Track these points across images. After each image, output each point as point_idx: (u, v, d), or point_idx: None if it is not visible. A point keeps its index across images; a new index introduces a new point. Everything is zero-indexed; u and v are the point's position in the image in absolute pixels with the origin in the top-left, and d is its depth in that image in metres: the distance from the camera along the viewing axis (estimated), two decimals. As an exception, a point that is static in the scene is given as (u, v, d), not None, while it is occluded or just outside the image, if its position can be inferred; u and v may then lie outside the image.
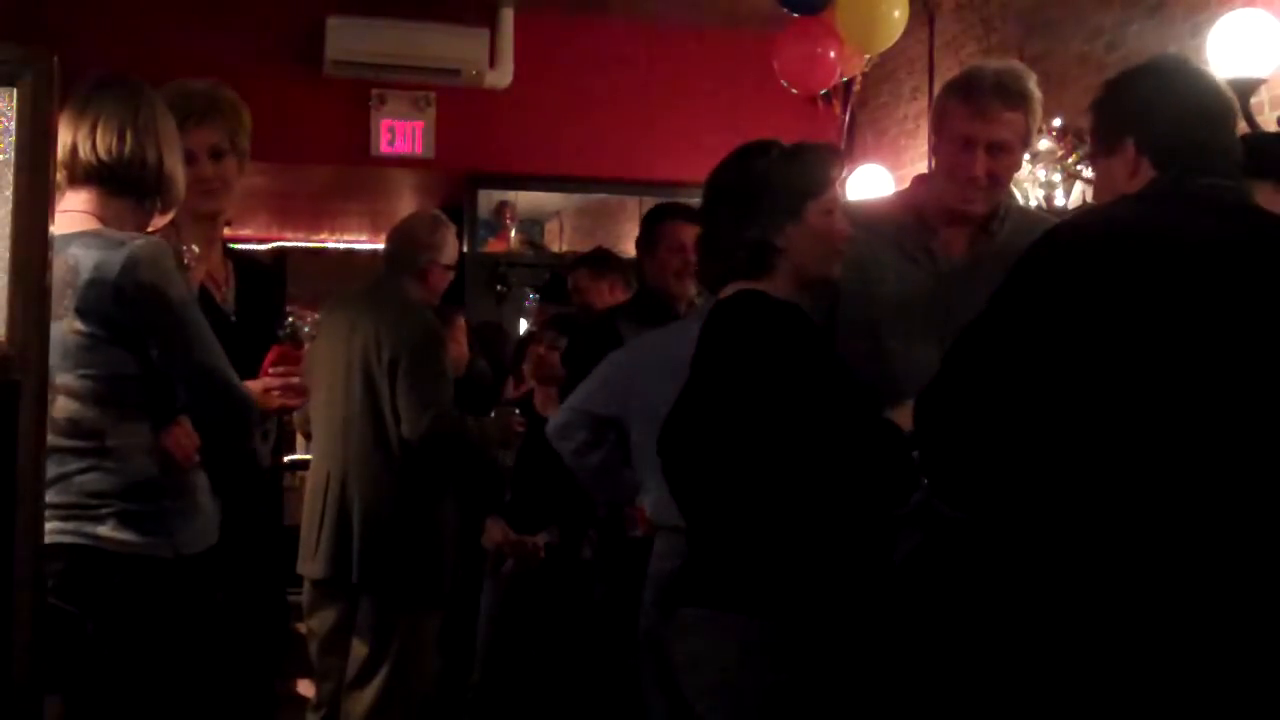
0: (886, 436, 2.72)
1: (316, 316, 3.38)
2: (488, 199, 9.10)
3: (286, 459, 5.29)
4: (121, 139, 2.92)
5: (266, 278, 3.80)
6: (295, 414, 4.54)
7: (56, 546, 2.68)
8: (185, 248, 3.26)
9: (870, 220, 3.26)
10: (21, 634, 2.23)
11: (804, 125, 6.75)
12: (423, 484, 4.50)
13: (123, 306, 2.81)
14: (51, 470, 2.57)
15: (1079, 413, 2.25)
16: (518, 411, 5.20)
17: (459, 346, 5.39)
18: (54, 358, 2.48)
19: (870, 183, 7.07)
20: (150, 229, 3.06)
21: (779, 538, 2.76)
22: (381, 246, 5.09)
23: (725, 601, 2.80)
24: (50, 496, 2.55)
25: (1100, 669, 2.20)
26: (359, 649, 4.51)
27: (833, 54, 6.75)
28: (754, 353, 2.79)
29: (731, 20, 8.02)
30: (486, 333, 6.26)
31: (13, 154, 2.27)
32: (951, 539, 2.84)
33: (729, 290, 2.91)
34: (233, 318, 3.54)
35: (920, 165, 7.22)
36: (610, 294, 5.28)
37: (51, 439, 2.49)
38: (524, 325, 8.81)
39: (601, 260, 5.53)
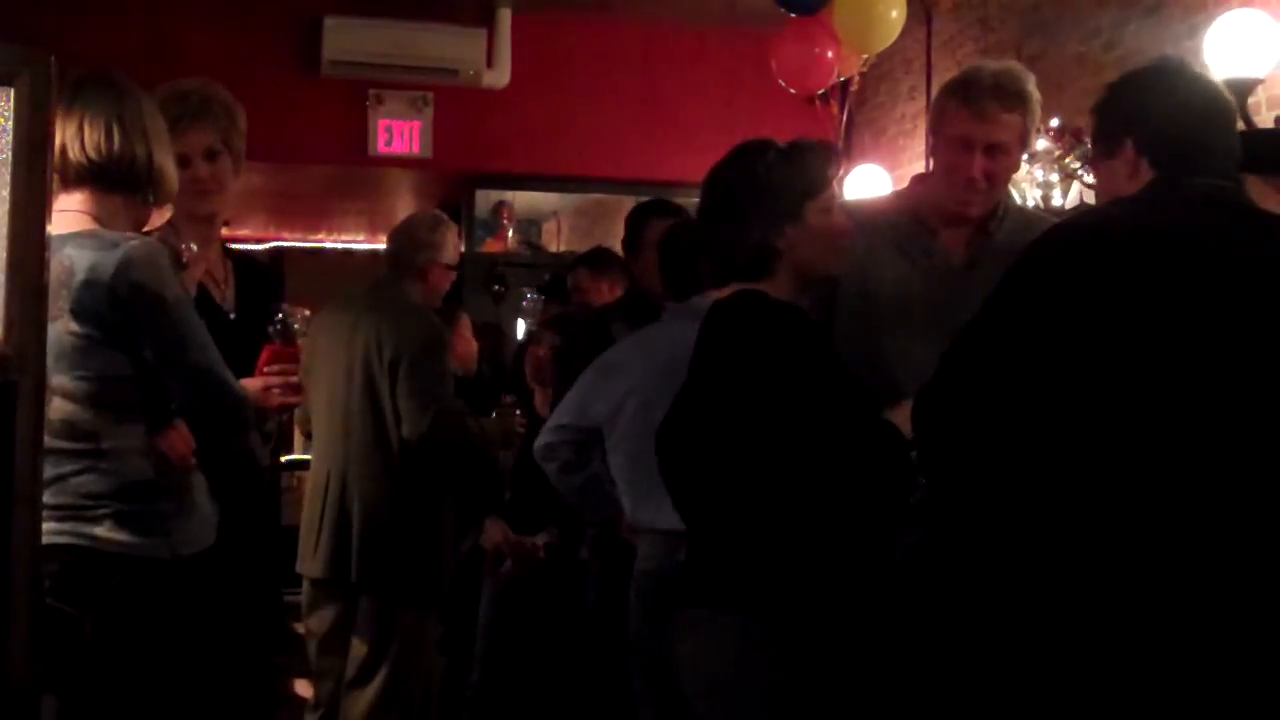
0: (885, 437, 2.72)
1: (308, 313, 3.37)
2: (485, 199, 9.10)
3: (284, 459, 5.30)
4: (109, 136, 2.91)
5: (265, 277, 3.80)
6: (296, 412, 4.55)
7: (53, 547, 2.67)
8: (184, 246, 3.25)
9: (869, 220, 3.26)
10: (19, 634, 2.24)
11: (802, 125, 6.74)
12: (422, 484, 4.50)
13: (117, 308, 2.80)
14: (47, 471, 2.57)
15: (1077, 412, 2.25)
16: (519, 412, 5.20)
17: (467, 344, 5.38)
18: (49, 359, 2.48)
19: (868, 183, 7.07)
20: (148, 226, 3.06)
21: (779, 538, 2.75)
22: (379, 246, 5.10)
23: (725, 602, 2.79)
24: (46, 498, 2.55)
25: (1097, 666, 2.20)
26: (358, 649, 4.51)
27: (830, 54, 6.76)
28: (753, 354, 2.78)
29: (729, 20, 8.02)
30: (484, 333, 6.26)
31: (10, 154, 2.27)
32: (949, 537, 2.84)
33: (728, 290, 2.91)
34: (232, 316, 3.54)
35: (918, 165, 7.22)
36: (610, 293, 5.26)
37: (47, 440, 2.49)
38: (521, 325, 8.80)
39: (601, 259, 5.53)
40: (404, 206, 9.30)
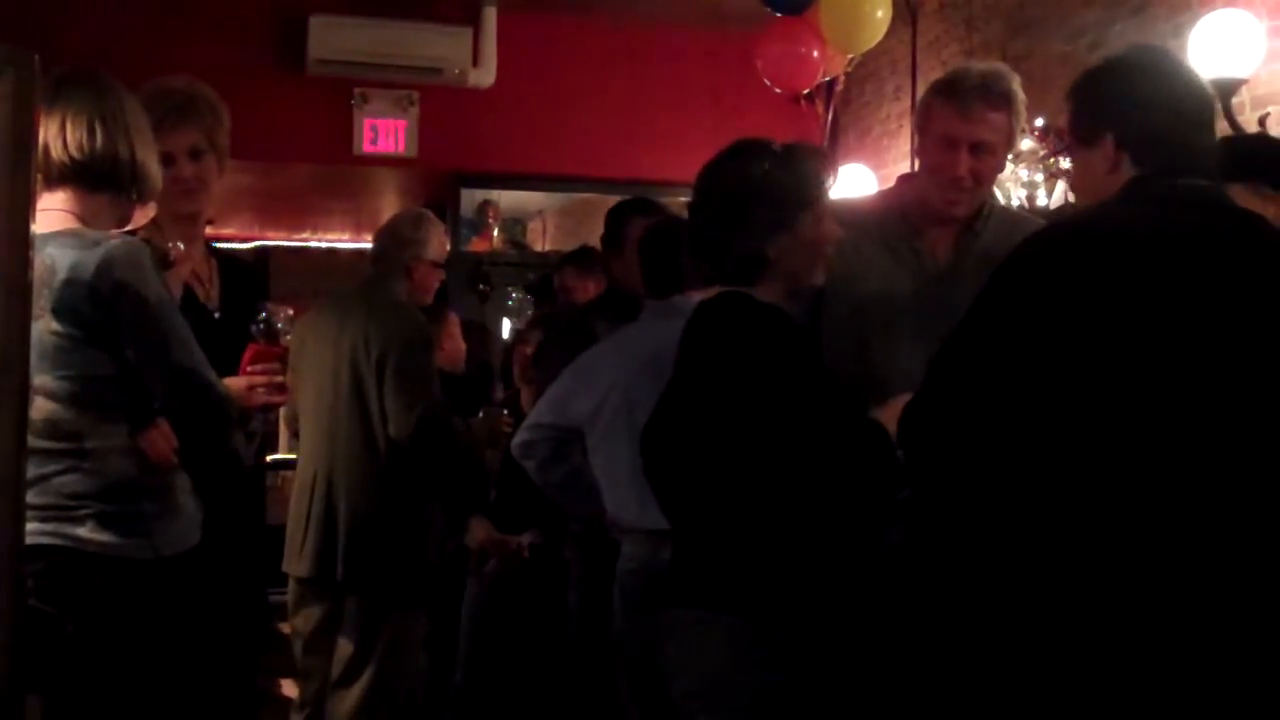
0: (871, 436, 2.72)
1: (291, 312, 3.35)
2: (470, 198, 9.09)
3: (269, 458, 5.28)
4: (91, 134, 2.90)
5: (250, 276, 3.80)
6: (284, 411, 4.54)
7: (36, 548, 2.66)
8: (172, 245, 3.25)
9: (856, 219, 3.27)
10: (2, 635, 2.23)
11: (787, 125, 6.75)
12: (409, 483, 4.49)
13: (98, 307, 2.80)
14: (30, 472, 2.55)
15: (1065, 417, 2.25)
16: (505, 412, 5.20)
17: (455, 342, 5.38)
18: (31, 359, 2.47)
19: (853, 182, 7.08)
20: (132, 225, 3.05)
21: (766, 538, 2.76)
22: (364, 245, 5.09)
23: (713, 602, 2.79)
24: (29, 498, 2.54)
25: (1086, 666, 2.20)
26: (344, 648, 4.50)
27: (815, 54, 6.76)
28: (738, 355, 2.78)
29: (715, 20, 8.02)
30: (470, 332, 6.25)
31: (-7, 152, 2.26)
32: (936, 538, 2.85)
33: (713, 291, 2.91)
34: (216, 315, 3.53)
35: (903, 165, 7.22)
36: (596, 292, 5.27)
37: (29, 440, 2.48)
38: (507, 324, 8.81)
39: (587, 258, 5.53)
40: (389, 205, 9.29)
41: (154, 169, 3.02)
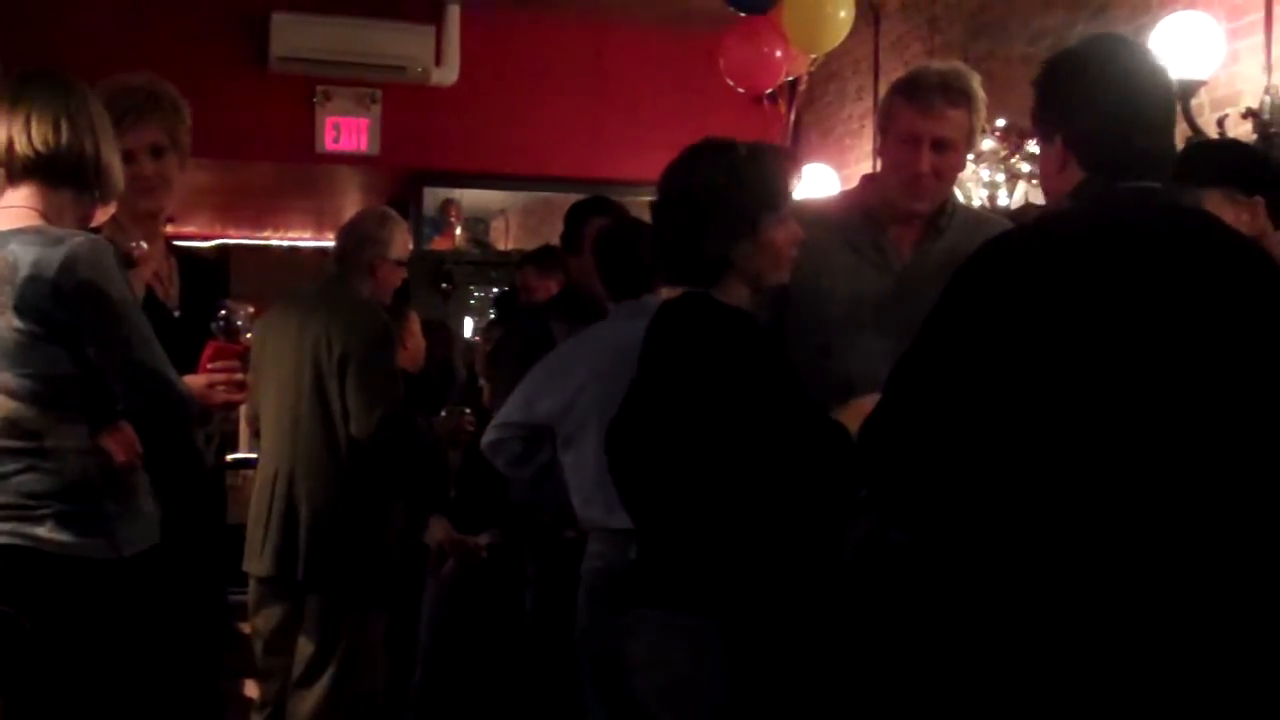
0: (833, 436, 2.72)
1: (252, 310, 3.34)
2: (433, 196, 9.08)
3: (230, 458, 5.26)
4: (57, 130, 2.89)
5: (210, 274, 3.78)
6: (246, 409, 4.52)
7: (-6, 547, 2.66)
8: (135, 244, 3.23)
9: (821, 219, 3.29)
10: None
11: (750, 124, 6.78)
12: (370, 483, 4.48)
13: (60, 304, 2.78)
14: (-10, 470, 2.55)
15: (1023, 424, 2.25)
16: (468, 411, 5.19)
17: (415, 339, 5.37)
18: (-8, 356, 2.46)
19: (816, 182, 7.09)
20: (93, 223, 3.03)
21: (729, 538, 2.76)
22: (326, 244, 5.07)
23: (677, 601, 2.79)
24: (-11, 497, 2.54)
25: (1049, 663, 2.21)
26: (305, 648, 4.48)
27: (779, 54, 6.78)
28: (700, 356, 2.79)
29: (678, 19, 8.03)
30: (432, 331, 6.24)
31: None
32: (901, 538, 2.86)
33: (676, 292, 2.91)
34: (176, 314, 3.51)
35: (865, 165, 7.25)
36: (558, 291, 5.27)
37: (-10, 439, 2.47)
38: (470, 323, 8.80)
39: (549, 258, 5.53)
40: (351, 204, 9.26)
41: (117, 168, 3.01)
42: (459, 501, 5.06)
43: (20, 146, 2.87)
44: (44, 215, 2.88)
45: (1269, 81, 4.65)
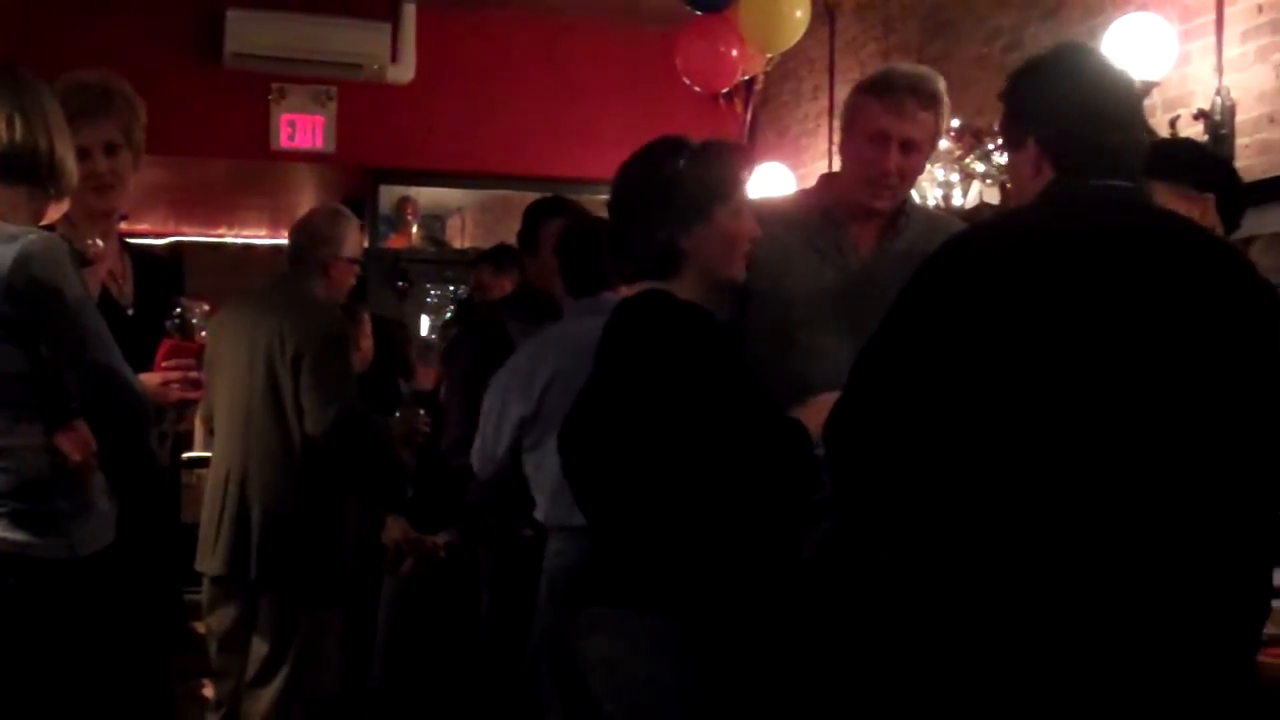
0: (791, 435, 2.73)
1: (206, 307, 3.33)
2: (389, 194, 9.06)
3: (185, 456, 5.24)
4: (11, 126, 2.87)
5: (164, 272, 3.76)
6: (200, 408, 4.49)
7: (-52, 547, 2.64)
8: (90, 242, 3.21)
9: (778, 216, 3.29)
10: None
11: (706, 123, 6.78)
12: (324, 481, 4.47)
13: (14, 302, 2.76)
14: (-57, 469, 2.54)
15: (985, 421, 2.26)
16: (423, 411, 5.18)
17: (368, 340, 5.36)
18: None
19: (771, 181, 7.11)
20: (47, 220, 3.01)
21: (686, 537, 2.76)
22: (281, 242, 5.05)
23: (634, 601, 2.79)
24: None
25: (1012, 659, 2.22)
26: (259, 647, 4.47)
27: (735, 53, 6.80)
28: (657, 353, 2.79)
29: (634, 18, 8.04)
30: (388, 328, 6.23)
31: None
32: (860, 538, 2.87)
33: (635, 289, 2.91)
34: (130, 312, 3.49)
35: (821, 164, 7.28)
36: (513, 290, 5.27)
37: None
38: (425, 321, 8.79)
39: (505, 256, 5.53)
40: (306, 202, 9.23)
41: (71, 165, 2.99)
42: (416, 501, 5.05)
43: (-27, 143, 2.85)
44: (-2, 213, 2.86)
45: (1220, 83, 4.70)
